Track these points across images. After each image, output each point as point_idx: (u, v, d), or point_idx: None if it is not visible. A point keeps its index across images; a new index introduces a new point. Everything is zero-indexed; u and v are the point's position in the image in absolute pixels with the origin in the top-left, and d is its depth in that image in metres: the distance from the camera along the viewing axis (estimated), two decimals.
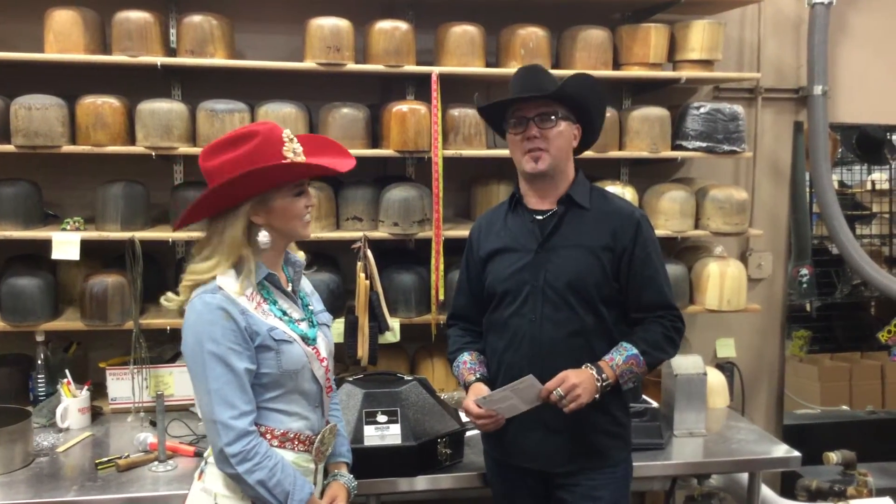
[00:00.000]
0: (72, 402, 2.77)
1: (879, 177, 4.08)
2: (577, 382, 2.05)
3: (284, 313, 1.93)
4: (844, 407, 4.03)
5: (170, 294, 1.94)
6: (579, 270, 2.16)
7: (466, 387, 2.27)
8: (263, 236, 1.86)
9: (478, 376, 2.25)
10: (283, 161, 1.82)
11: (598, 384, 2.08)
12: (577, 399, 2.04)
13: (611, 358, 2.13)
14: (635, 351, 2.14)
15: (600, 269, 2.16)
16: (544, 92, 2.13)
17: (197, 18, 2.91)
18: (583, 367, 2.10)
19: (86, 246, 2.84)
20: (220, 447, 1.78)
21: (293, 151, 1.84)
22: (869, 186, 4.09)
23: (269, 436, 1.86)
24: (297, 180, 1.89)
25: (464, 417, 2.62)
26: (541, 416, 2.17)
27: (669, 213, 3.22)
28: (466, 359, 2.31)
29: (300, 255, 2.06)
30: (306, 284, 2.10)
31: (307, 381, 1.92)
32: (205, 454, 1.97)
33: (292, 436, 1.90)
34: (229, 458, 1.77)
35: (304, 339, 1.92)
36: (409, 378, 2.57)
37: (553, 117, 2.14)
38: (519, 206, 2.28)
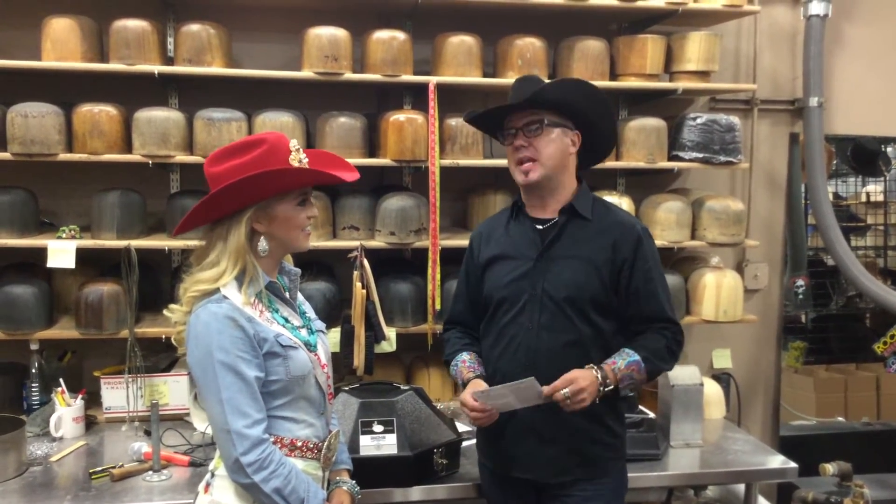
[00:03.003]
0: (66, 411, 2.76)
1: (874, 188, 4.09)
2: (585, 386, 2.04)
3: (287, 321, 1.93)
4: (840, 418, 4.03)
5: (173, 305, 1.91)
6: (578, 281, 2.15)
7: (465, 384, 2.24)
8: (262, 244, 1.86)
9: (477, 374, 2.24)
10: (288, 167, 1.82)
11: (601, 388, 2.08)
12: (581, 402, 2.04)
13: (613, 362, 2.13)
14: (637, 357, 2.13)
15: (599, 280, 2.16)
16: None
17: (195, 27, 2.91)
18: (587, 367, 2.10)
19: (81, 254, 2.84)
20: (236, 457, 1.75)
21: (299, 161, 1.84)
22: (864, 198, 4.11)
23: (278, 445, 1.85)
24: (301, 187, 1.88)
25: (461, 427, 2.63)
26: (535, 426, 2.17)
27: (666, 224, 3.22)
28: (465, 358, 2.30)
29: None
30: (298, 293, 2.10)
31: (312, 387, 1.92)
32: (210, 467, 1.95)
33: (300, 444, 1.89)
34: (245, 467, 1.75)
35: (307, 345, 1.92)
36: (406, 388, 2.56)
37: (537, 126, 2.13)
38: (521, 213, 2.28)
